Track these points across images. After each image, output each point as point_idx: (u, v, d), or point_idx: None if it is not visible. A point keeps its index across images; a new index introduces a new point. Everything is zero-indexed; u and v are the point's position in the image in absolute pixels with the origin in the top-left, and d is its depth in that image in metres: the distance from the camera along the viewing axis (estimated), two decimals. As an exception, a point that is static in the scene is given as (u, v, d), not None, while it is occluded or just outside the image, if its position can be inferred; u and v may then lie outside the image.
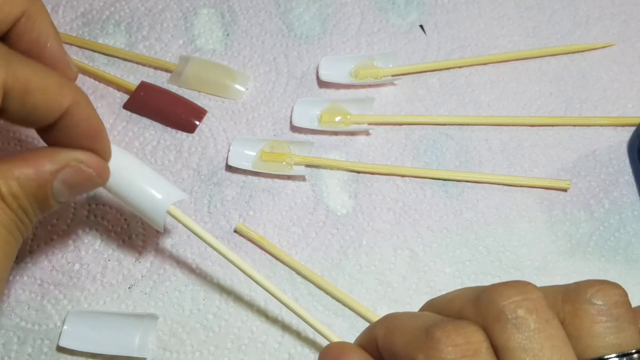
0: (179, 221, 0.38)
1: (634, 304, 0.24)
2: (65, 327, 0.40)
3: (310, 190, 0.45)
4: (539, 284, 0.24)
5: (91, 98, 0.48)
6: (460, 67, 0.50)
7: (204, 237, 0.38)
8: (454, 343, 0.22)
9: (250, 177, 0.46)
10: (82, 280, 0.42)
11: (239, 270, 0.38)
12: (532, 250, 0.43)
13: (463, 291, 0.25)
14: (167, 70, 0.49)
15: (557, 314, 0.23)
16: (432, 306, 0.27)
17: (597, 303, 0.23)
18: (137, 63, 0.50)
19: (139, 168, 0.37)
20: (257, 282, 0.38)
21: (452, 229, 0.44)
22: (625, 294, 0.24)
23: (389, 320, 0.26)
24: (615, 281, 0.25)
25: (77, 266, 0.43)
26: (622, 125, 0.48)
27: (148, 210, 0.37)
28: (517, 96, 0.49)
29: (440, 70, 0.50)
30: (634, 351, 0.22)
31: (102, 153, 0.35)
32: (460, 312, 0.24)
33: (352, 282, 0.42)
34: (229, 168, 0.46)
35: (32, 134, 0.47)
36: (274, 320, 0.41)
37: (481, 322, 0.23)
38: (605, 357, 0.23)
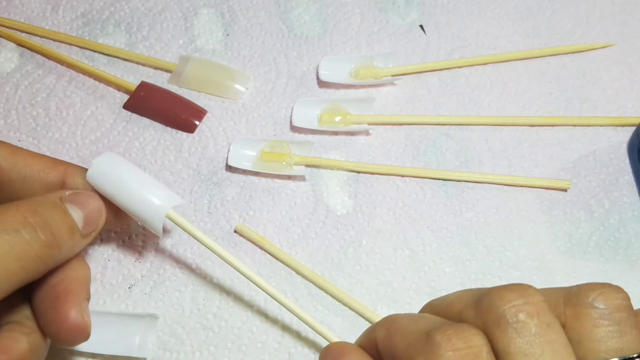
0: (178, 225, 0.38)
1: (634, 305, 0.24)
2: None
3: (310, 190, 0.45)
4: (539, 284, 0.24)
5: (91, 98, 0.48)
6: (460, 67, 0.50)
7: (203, 240, 0.38)
8: (454, 347, 0.22)
9: (250, 177, 0.46)
10: (82, 281, 0.42)
11: (238, 271, 0.38)
12: (532, 250, 0.43)
13: (464, 293, 0.25)
14: (167, 70, 0.49)
15: (558, 318, 0.23)
16: (432, 308, 0.27)
17: (599, 307, 0.23)
18: (137, 63, 0.50)
19: (137, 175, 0.38)
20: (256, 284, 0.38)
21: (452, 229, 0.44)
22: (628, 298, 0.24)
23: (390, 322, 0.26)
24: (615, 281, 0.25)
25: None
26: (622, 125, 0.48)
27: (146, 216, 0.37)
28: (517, 96, 0.49)
29: (440, 70, 0.50)
30: (635, 355, 0.22)
31: None
32: (460, 314, 0.24)
33: (352, 282, 0.42)
34: (229, 168, 0.46)
35: (32, 134, 0.47)
36: (274, 320, 0.41)
37: (482, 325, 0.23)
38: None
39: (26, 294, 0.33)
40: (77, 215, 0.34)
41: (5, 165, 0.36)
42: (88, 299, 0.35)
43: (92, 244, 0.43)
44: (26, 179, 0.36)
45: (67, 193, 0.35)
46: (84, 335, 0.33)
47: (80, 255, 0.36)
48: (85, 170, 0.38)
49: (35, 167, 0.36)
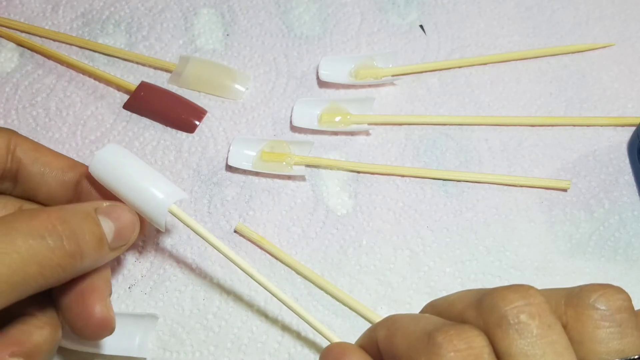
0: (180, 220, 0.37)
1: (634, 305, 0.24)
2: (65, 327, 0.40)
3: (310, 190, 0.45)
4: (539, 284, 0.24)
5: (91, 98, 0.48)
6: (460, 67, 0.50)
7: (205, 236, 0.37)
8: (456, 348, 0.22)
9: (250, 177, 0.46)
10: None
11: (239, 270, 0.38)
12: (532, 250, 0.43)
13: (465, 294, 0.25)
14: (167, 70, 0.49)
15: (559, 319, 0.23)
16: (433, 308, 0.27)
17: (601, 308, 0.23)
18: (137, 63, 0.50)
19: (140, 167, 0.37)
20: (257, 282, 0.37)
21: (452, 229, 0.44)
22: (629, 299, 0.24)
23: (391, 322, 0.26)
24: (615, 281, 0.25)
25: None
26: (622, 125, 0.48)
27: (149, 210, 0.37)
28: (517, 96, 0.49)
29: (440, 70, 0.50)
30: (636, 357, 0.22)
31: None
32: (462, 315, 0.25)
33: (352, 282, 0.42)
34: (229, 168, 0.46)
35: (32, 134, 0.47)
36: (274, 320, 0.41)
37: (483, 326, 0.23)
38: None
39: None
40: (108, 227, 0.34)
41: (26, 160, 0.37)
42: (110, 294, 0.36)
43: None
44: (44, 175, 0.37)
45: (104, 205, 0.35)
46: (110, 329, 0.34)
47: None
48: None
49: (54, 165, 0.37)
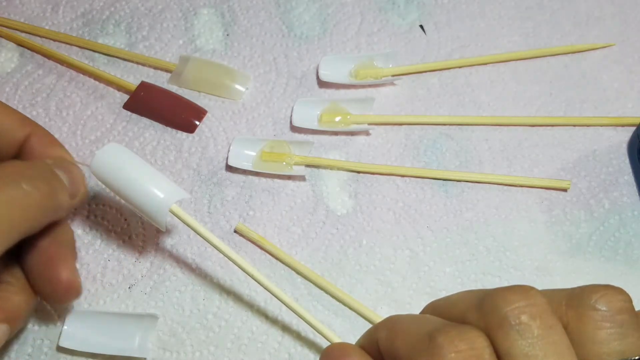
0: (181, 220, 0.38)
1: (635, 305, 0.24)
2: (65, 327, 0.40)
3: (310, 190, 0.45)
4: (539, 284, 0.24)
5: (91, 98, 0.48)
6: (460, 67, 0.50)
7: (206, 236, 0.38)
8: (457, 349, 0.22)
9: (250, 177, 0.46)
10: (82, 280, 0.42)
11: (239, 270, 0.38)
12: (532, 250, 0.43)
13: (466, 294, 0.25)
14: (167, 70, 0.49)
15: (560, 320, 0.23)
16: (434, 309, 0.27)
17: (601, 309, 0.23)
18: (137, 63, 0.50)
19: (141, 166, 0.38)
20: (258, 282, 0.38)
21: (452, 229, 0.44)
22: (630, 300, 0.24)
23: (391, 323, 0.26)
24: (615, 281, 0.25)
25: (77, 266, 0.43)
26: (622, 125, 0.48)
27: (150, 209, 0.37)
28: (517, 96, 0.49)
29: (440, 70, 0.50)
30: (637, 358, 0.22)
31: None
32: (463, 315, 0.24)
33: (352, 282, 0.42)
34: (229, 168, 0.46)
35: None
36: (274, 320, 0.41)
37: (484, 327, 0.23)
38: None
39: (13, 256, 0.36)
40: (63, 176, 0.36)
41: None
42: (76, 259, 0.38)
43: (92, 243, 0.43)
44: None
45: (53, 160, 0.37)
46: (76, 293, 0.36)
47: (64, 219, 0.38)
48: (50, 135, 0.39)
49: (6, 122, 0.38)
